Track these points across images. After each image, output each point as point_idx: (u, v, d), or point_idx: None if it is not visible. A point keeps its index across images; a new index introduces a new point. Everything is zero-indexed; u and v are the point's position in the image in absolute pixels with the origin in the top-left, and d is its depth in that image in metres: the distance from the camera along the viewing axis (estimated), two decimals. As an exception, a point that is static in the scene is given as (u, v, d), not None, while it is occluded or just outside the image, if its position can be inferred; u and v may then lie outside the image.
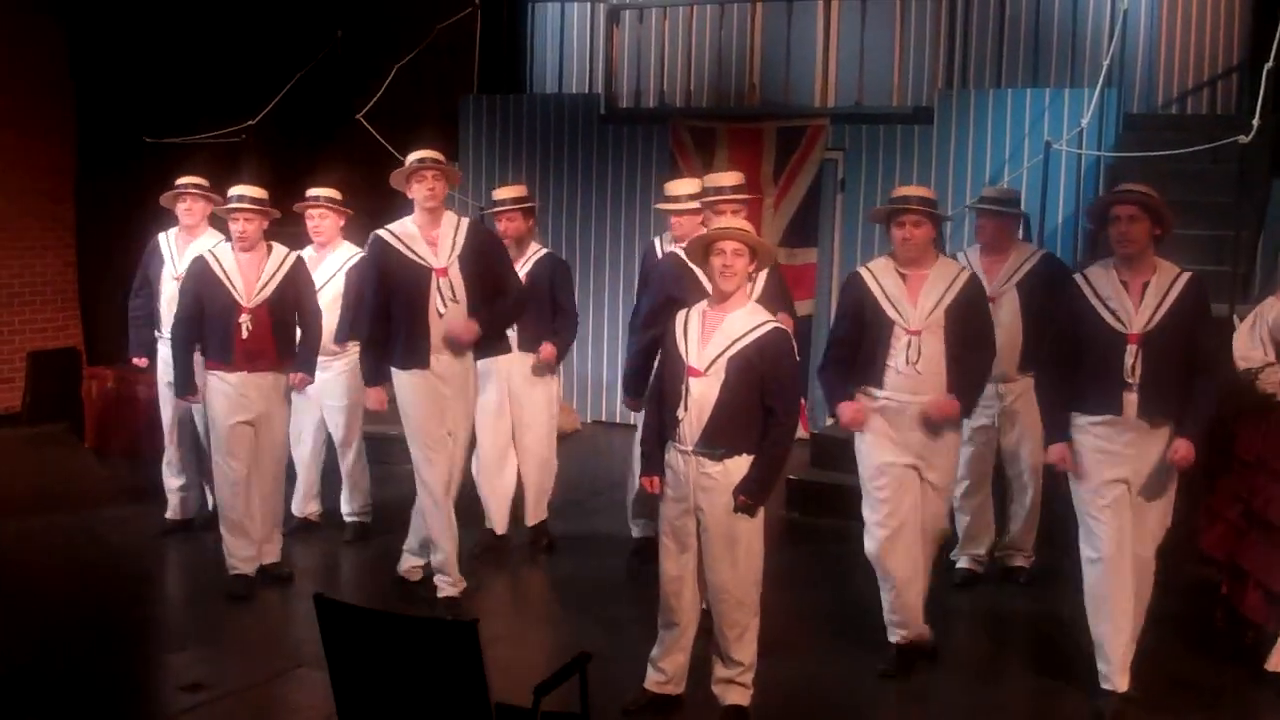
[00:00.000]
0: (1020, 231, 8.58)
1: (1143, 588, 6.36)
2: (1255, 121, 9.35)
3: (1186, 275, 6.28)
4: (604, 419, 12.31)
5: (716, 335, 5.97)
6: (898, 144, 11.57)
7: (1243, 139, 9.30)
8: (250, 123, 12.30)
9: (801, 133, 11.63)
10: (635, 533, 8.30)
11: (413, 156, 7.40)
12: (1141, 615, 6.39)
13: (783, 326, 6.08)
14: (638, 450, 7.77)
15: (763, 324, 5.99)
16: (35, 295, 12.36)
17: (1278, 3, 9.98)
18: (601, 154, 12.74)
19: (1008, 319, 7.69)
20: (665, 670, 6.25)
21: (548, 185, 12.51)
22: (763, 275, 7.08)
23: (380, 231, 7.48)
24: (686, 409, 5.93)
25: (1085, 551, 6.36)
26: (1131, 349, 6.17)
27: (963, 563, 8.19)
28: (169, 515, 9.09)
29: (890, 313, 6.61)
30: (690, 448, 5.95)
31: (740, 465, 5.93)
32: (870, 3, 11.90)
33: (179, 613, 7.82)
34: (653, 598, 6.36)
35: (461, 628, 4.41)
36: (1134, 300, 6.23)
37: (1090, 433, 6.30)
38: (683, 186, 7.96)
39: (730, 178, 7.58)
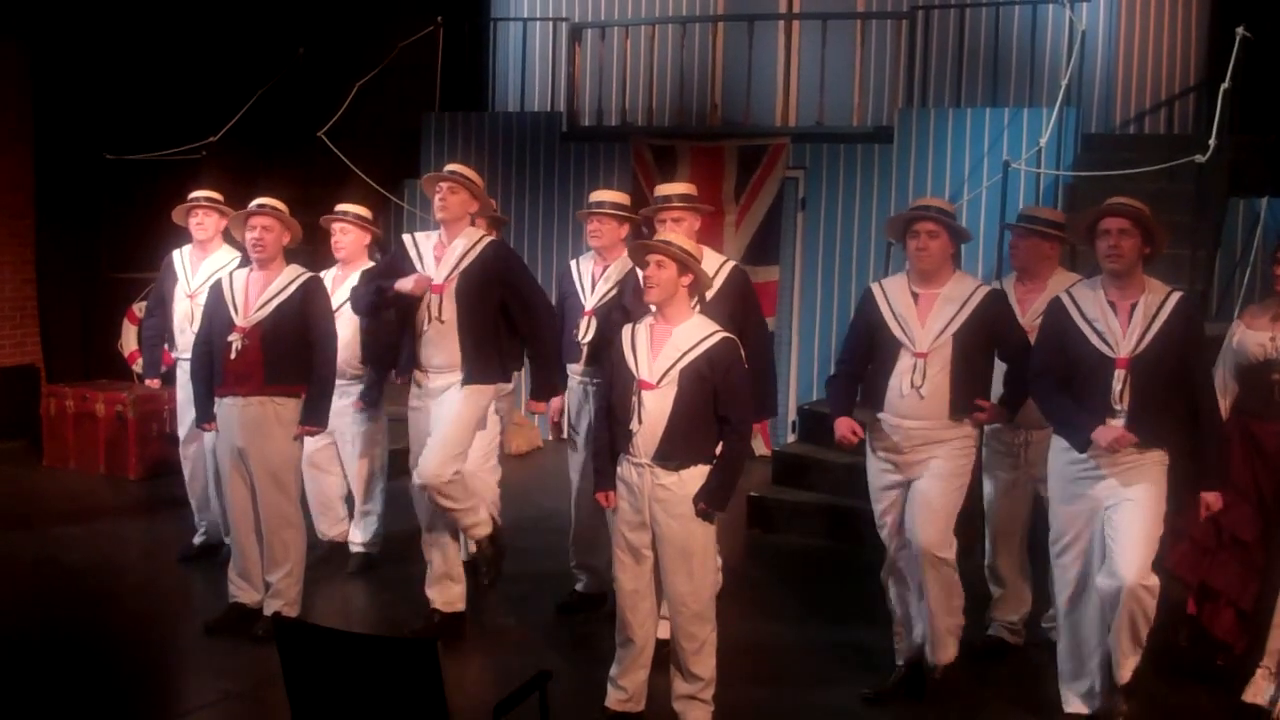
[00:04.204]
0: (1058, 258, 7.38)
1: (1131, 614, 5.96)
2: (1212, 141, 9.46)
3: (1177, 295, 5.99)
4: (565, 435, 12.27)
5: (666, 348, 5.97)
6: (858, 163, 11.63)
7: (1200, 158, 9.40)
8: (212, 139, 12.27)
9: (763, 151, 11.66)
10: (578, 585, 8.04)
11: (451, 166, 7.30)
12: (1128, 642, 6.03)
13: (732, 336, 6.05)
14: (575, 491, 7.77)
15: (712, 334, 5.99)
16: (-7, 312, 12.29)
17: (1235, 24, 10.10)
18: (563, 172, 12.76)
19: None
20: (625, 688, 6.23)
21: (509, 203, 12.52)
22: (720, 277, 6.92)
23: (409, 234, 7.44)
24: (640, 422, 5.93)
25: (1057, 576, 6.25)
26: (1119, 374, 5.88)
27: (993, 630, 7.33)
28: (195, 540, 8.86)
29: (897, 333, 6.36)
30: (645, 460, 5.95)
31: (695, 475, 5.93)
32: (831, 23, 11.96)
33: (137, 631, 7.72)
34: (612, 616, 6.35)
35: (420, 646, 4.40)
36: (1122, 322, 5.94)
37: (1068, 460, 6.06)
38: (605, 195, 7.71)
39: (679, 188, 7.31)
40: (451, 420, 7.19)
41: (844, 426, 6.41)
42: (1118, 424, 5.89)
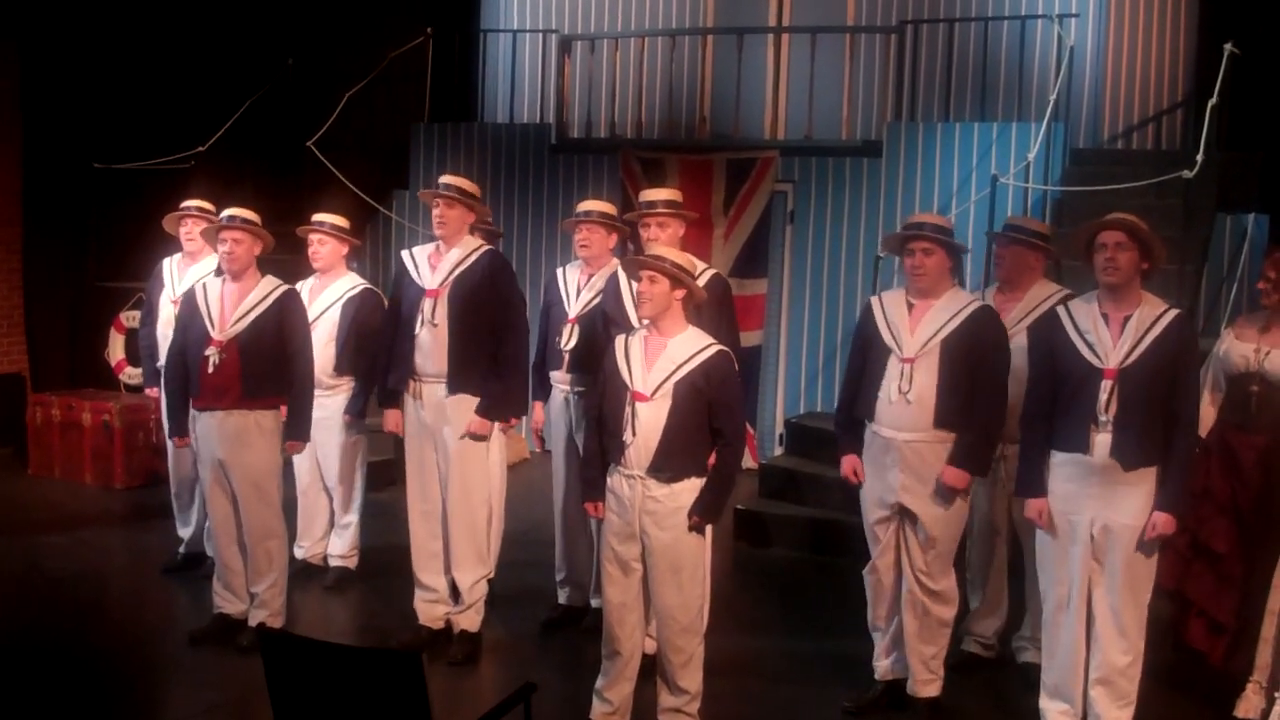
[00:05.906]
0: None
1: (1114, 643, 6.01)
2: (1199, 157, 9.49)
3: (1173, 312, 5.97)
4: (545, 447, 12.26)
5: (661, 360, 5.97)
6: (847, 177, 11.65)
7: (1187, 174, 9.43)
8: (200, 149, 12.26)
9: (751, 164, 11.66)
10: (561, 599, 7.97)
11: (446, 179, 7.29)
12: (1116, 669, 6.02)
13: (726, 350, 6.05)
14: (559, 503, 7.75)
15: (706, 348, 5.99)
16: (-20, 321, 12.27)
17: (1223, 40, 10.13)
18: (552, 183, 12.77)
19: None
20: (611, 700, 6.21)
21: (498, 214, 12.49)
22: (699, 283, 6.72)
23: (406, 250, 7.42)
24: (634, 434, 5.92)
25: (1042, 591, 6.24)
26: (1106, 385, 5.87)
27: (966, 644, 7.27)
28: (179, 550, 8.80)
29: (888, 339, 6.38)
30: (638, 472, 5.94)
31: (686, 488, 5.92)
32: (820, 36, 11.97)
33: (121, 641, 7.70)
34: (598, 629, 6.34)
35: (405, 658, 4.39)
36: (1113, 334, 5.93)
37: (1056, 473, 6.05)
38: (593, 205, 7.67)
39: (664, 193, 7.32)
40: (468, 477, 7.22)
41: (848, 465, 6.57)
42: (1104, 438, 5.87)
